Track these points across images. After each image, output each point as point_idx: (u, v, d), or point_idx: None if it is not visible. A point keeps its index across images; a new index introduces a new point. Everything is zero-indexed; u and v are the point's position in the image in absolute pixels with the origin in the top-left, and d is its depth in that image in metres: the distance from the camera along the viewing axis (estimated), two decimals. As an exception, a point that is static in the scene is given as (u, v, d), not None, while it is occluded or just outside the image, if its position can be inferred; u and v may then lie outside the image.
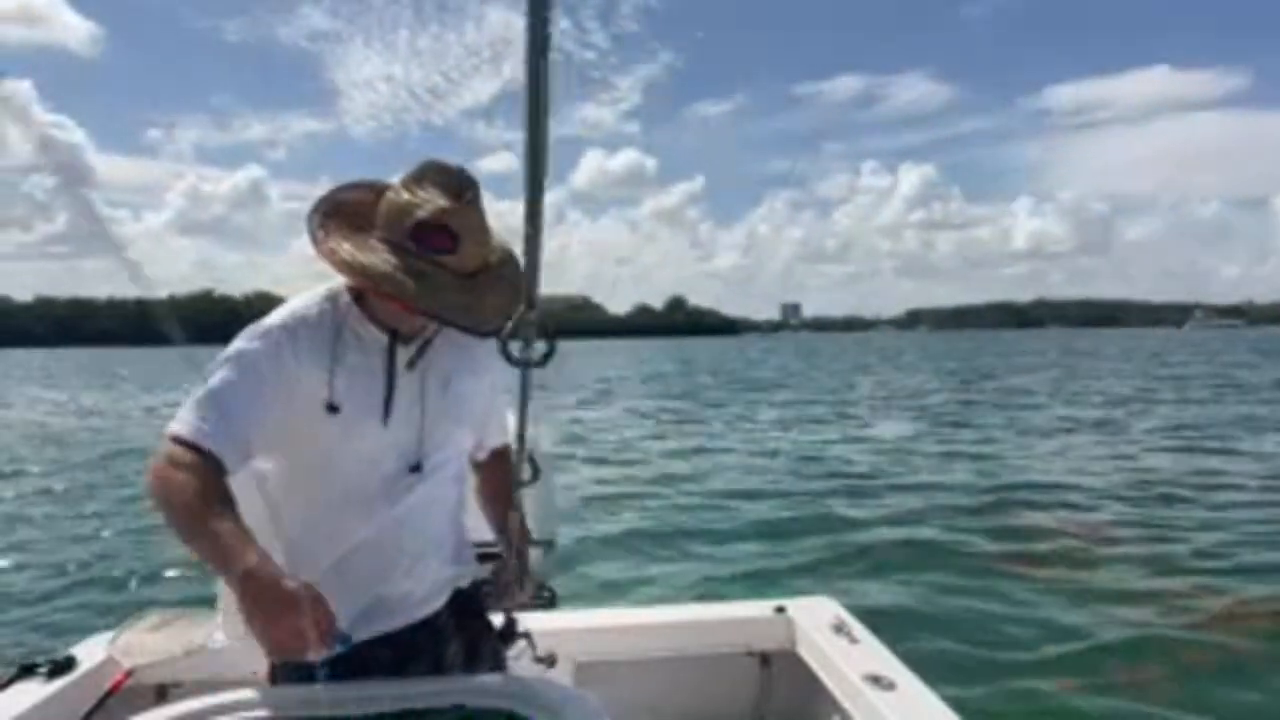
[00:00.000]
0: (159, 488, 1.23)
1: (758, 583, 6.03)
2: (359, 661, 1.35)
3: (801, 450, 13.25)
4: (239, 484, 1.31)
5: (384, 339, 1.48)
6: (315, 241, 1.37)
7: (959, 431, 15.16)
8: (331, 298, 1.49)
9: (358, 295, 1.48)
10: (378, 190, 1.45)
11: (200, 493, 1.22)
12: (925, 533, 7.48)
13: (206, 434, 1.27)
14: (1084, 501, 8.77)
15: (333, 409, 1.41)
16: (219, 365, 1.35)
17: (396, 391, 1.48)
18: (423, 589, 1.58)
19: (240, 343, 1.38)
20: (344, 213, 1.42)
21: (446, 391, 1.54)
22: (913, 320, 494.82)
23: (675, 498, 9.40)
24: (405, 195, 1.39)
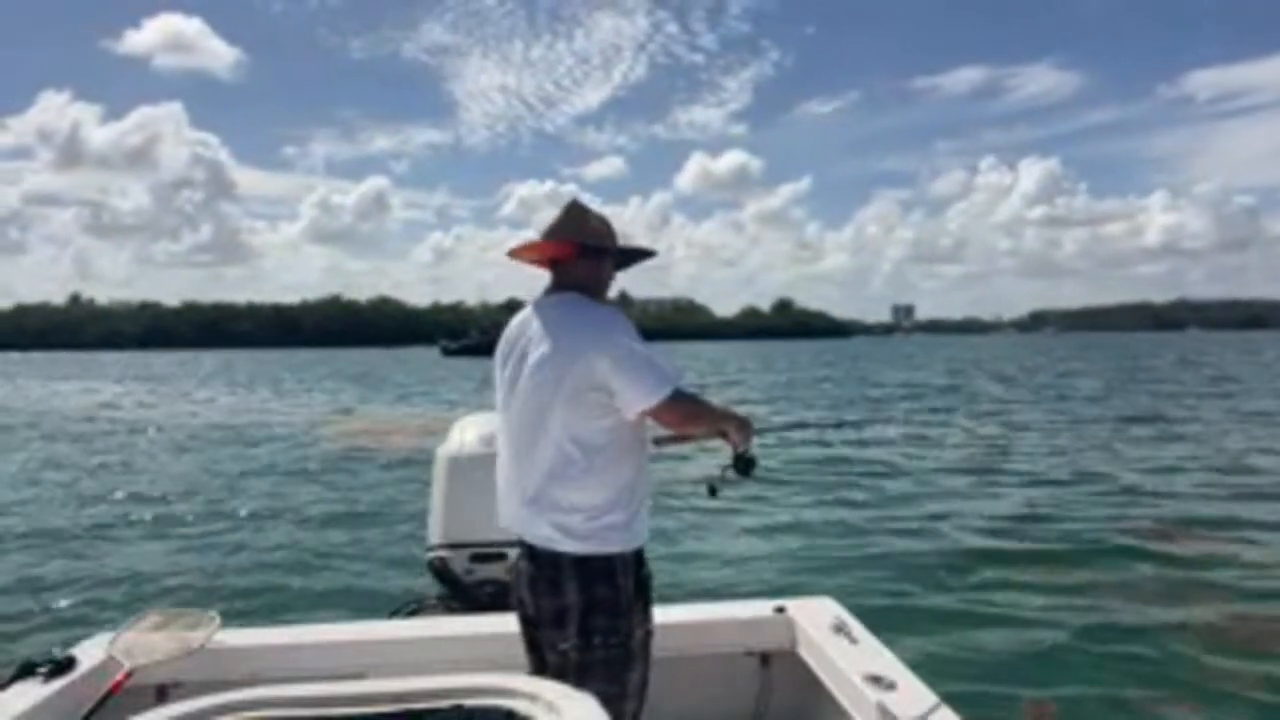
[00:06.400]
0: (682, 415, 2.02)
1: (759, 581, 6.02)
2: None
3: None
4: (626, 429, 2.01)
5: None
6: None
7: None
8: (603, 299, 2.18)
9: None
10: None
11: (701, 402, 2.10)
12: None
13: (676, 384, 1.99)
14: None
15: None
16: (639, 345, 1.98)
17: None
18: None
19: (629, 337, 1.97)
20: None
21: None
22: (1037, 322, 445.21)
23: (670, 496, 9.32)
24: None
